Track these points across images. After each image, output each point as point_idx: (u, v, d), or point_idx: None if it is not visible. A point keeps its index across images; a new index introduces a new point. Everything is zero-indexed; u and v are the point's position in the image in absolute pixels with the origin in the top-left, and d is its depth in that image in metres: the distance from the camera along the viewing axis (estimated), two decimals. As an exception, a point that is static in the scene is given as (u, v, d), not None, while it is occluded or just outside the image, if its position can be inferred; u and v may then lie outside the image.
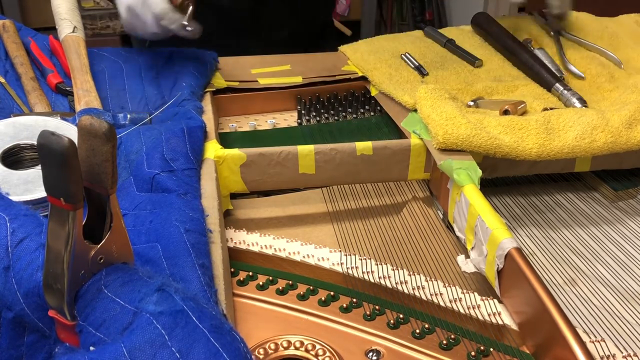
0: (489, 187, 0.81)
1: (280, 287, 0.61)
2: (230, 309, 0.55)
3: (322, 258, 0.64)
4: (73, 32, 0.91)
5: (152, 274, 0.45)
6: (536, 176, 0.82)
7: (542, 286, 0.52)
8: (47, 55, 0.92)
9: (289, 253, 0.65)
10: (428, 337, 0.56)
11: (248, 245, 0.66)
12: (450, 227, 0.71)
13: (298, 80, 0.95)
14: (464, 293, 0.60)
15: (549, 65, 0.93)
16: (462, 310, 0.58)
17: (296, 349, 0.55)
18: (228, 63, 0.99)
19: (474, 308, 0.58)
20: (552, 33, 1.02)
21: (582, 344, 0.47)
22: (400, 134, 0.83)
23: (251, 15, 1.11)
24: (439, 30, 1.06)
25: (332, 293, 0.61)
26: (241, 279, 0.62)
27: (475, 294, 0.60)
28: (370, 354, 0.55)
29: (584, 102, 0.84)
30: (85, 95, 0.81)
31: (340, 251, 0.65)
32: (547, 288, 0.52)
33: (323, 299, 0.60)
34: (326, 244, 0.66)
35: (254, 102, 0.94)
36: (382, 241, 0.69)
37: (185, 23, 0.82)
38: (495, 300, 0.59)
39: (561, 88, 0.86)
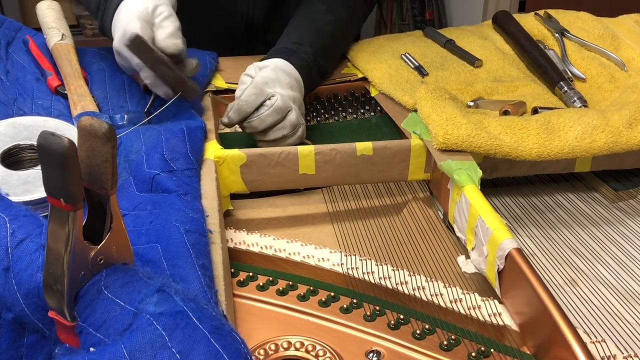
0: (489, 187, 0.81)
1: (281, 288, 0.61)
2: (230, 309, 0.55)
3: (323, 259, 0.64)
4: (62, 39, 0.91)
5: (152, 275, 0.45)
6: (536, 176, 0.82)
7: (542, 287, 0.52)
8: (46, 56, 0.92)
9: (289, 254, 0.65)
10: (428, 337, 0.56)
11: (248, 245, 0.66)
12: (450, 228, 0.71)
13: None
14: (464, 294, 0.60)
15: (558, 65, 0.93)
16: (462, 311, 0.58)
17: (296, 349, 0.55)
18: (228, 64, 0.99)
19: (474, 309, 0.58)
20: (556, 34, 1.03)
21: (583, 345, 0.47)
22: (400, 134, 0.83)
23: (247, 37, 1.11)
24: (439, 31, 1.06)
25: (332, 294, 0.61)
26: (241, 279, 0.62)
27: (476, 294, 0.60)
28: (371, 354, 0.55)
29: (584, 102, 0.84)
30: (81, 99, 0.81)
31: (341, 252, 0.65)
32: (548, 288, 0.52)
33: (323, 299, 0.60)
34: (326, 245, 0.66)
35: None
36: (383, 242, 0.69)
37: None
38: (496, 301, 0.59)
39: (565, 87, 0.87)
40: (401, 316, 0.58)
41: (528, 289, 0.53)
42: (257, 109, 0.77)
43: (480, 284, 0.63)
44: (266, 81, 0.79)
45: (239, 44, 1.10)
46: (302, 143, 0.82)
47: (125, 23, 0.75)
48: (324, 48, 0.91)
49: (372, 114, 0.94)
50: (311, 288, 0.61)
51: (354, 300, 0.60)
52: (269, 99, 0.77)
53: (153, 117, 0.81)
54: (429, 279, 0.62)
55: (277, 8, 1.07)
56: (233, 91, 0.93)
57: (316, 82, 0.92)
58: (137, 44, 0.73)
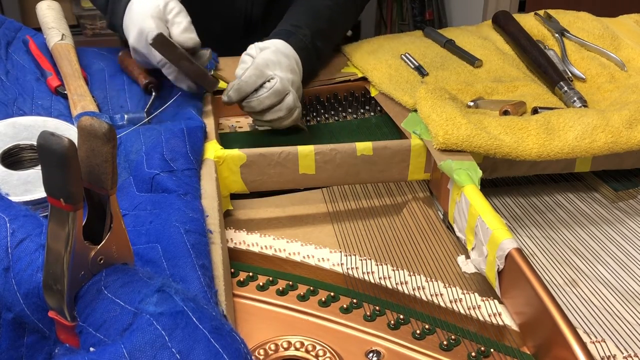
0: (489, 187, 0.81)
1: (281, 288, 0.61)
2: (230, 309, 0.55)
3: (323, 259, 0.64)
4: (62, 39, 0.91)
5: (152, 275, 0.45)
6: (536, 176, 0.82)
7: (542, 287, 0.52)
8: (46, 56, 0.92)
9: (289, 253, 0.65)
10: (428, 337, 0.56)
11: (248, 245, 0.66)
12: (450, 228, 0.71)
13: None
14: (464, 294, 0.60)
15: (558, 65, 0.93)
16: (462, 311, 0.58)
17: (296, 349, 0.55)
18: (228, 63, 0.99)
19: (474, 309, 0.58)
20: (556, 34, 1.03)
21: (583, 345, 0.47)
22: (400, 134, 0.83)
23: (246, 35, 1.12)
24: (439, 31, 1.06)
25: (332, 294, 0.61)
26: (241, 279, 0.62)
27: (476, 294, 0.60)
28: (371, 354, 0.55)
29: (584, 102, 0.84)
30: (81, 99, 0.81)
31: (341, 252, 0.65)
32: (548, 288, 0.52)
33: (323, 299, 0.60)
34: (326, 245, 0.66)
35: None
36: (382, 241, 0.69)
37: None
38: (496, 301, 0.59)
39: (565, 87, 0.87)
40: (401, 316, 0.58)
41: (528, 289, 0.53)
42: (257, 90, 0.79)
43: (480, 284, 0.63)
44: (267, 63, 0.81)
45: (238, 41, 1.10)
46: (297, 127, 0.85)
47: (140, 22, 0.77)
48: (322, 31, 0.94)
49: (372, 114, 0.94)
50: (311, 288, 0.61)
51: (354, 300, 0.60)
52: (269, 81, 0.79)
53: (153, 117, 0.81)
54: (429, 279, 0.62)
55: (275, 3, 1.08)
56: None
57: (314, 65, 0.95)
58: (160, 42, 0.75)
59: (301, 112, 0.84)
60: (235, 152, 0.71)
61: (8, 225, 0.48)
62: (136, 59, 0.82)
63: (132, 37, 0.79)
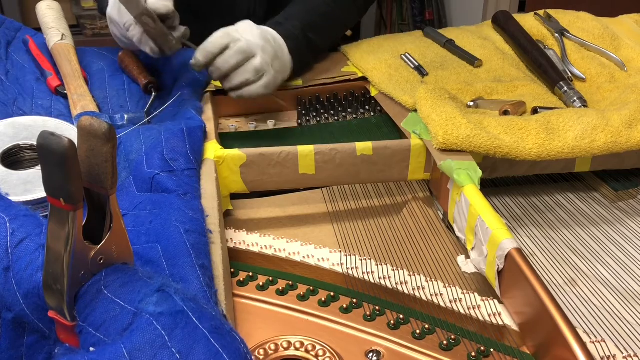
0: (489, 187, 0.81)
1: (281, 288, 0.61)
2: (230, 309, 0.55)
3: (322, 258, 0.64)
4: (62, 39, 0.91)
5: (152, 275, 0.45)
6: (536, 176, 0.82)
7: (542, 286, 0.52)
8: (45, 56, 0.92)
9: (289, 253, 0.65)
10: (428, 337, 0.56)
11: (248, 245, 0.66)
12: (450, 228, 0.71)
13: (298, 83, 0.95)
14: (464, 293, 0.60)
15: (558, 65, 0.93)
16: (462, 311, 0.58)
17: (296, 349, 0.55)
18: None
19: (474, 308, 0.58)
20: (556, 34, 1.03)
21: (583, 345, 0.47)
22: (400, 134, 0.83)
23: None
24: (439, 31, 1.06)
25: (332, 293, 0.61)
26: (241, 279, 0.62)
27: (476, 294, 0.60)
28: (371, 354, 0.55)
29: (584, 102, 0.84)
30: (81, 99, 0.81)
31: (341, 251, 0.65)
32: (548, 288, 0.52)
33: (323, 299, 0.60)
34: (326, 245, 0.66)
35: (254, 102, 0.94)
36: (382, 241, 0.69)
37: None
38: (496, 301, 0.59)
39: (565, 87, 0.87)
40: (401, 316, 0.58)
41: (528, 289, 0.53)
42: (223, 52, 0.80)
43: (480, 284, 0.63)
44: (236, 29, 0.82)
45: None
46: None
47: None
48: (314, 24, 0.95)
49: (372, 114, 0.94)
50: (311, 288, 0.61)
51: (354, 300, 0.60)
52: (234, 42, 0.81)
53: (153, 117, 0.81)
54: (428, 278, 0.62)
55: (278, 3, 1.08)
56: (233, 90, 0.93)
57: (306, 55, 0.95)
58: None
59: (276, 81, 0.85)
60: (235, 152, 0.71)
61: (8, 225, 0.48)
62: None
63: (109, 7, 0.80)
